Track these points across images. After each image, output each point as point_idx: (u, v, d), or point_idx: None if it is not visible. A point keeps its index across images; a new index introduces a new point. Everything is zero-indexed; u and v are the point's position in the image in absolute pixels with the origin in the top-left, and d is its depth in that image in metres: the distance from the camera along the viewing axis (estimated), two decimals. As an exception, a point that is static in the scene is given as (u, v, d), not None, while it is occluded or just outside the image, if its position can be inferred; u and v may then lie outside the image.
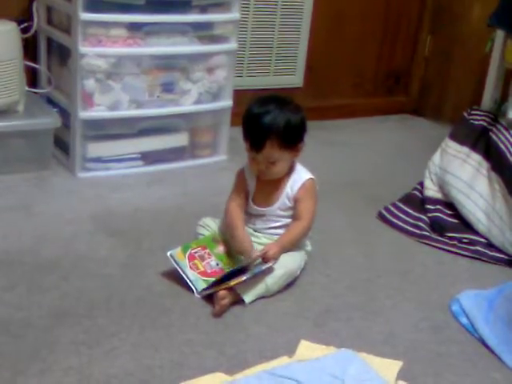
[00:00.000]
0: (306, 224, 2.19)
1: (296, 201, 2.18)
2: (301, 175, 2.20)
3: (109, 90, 2.80)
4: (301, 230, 2.18)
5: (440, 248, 2.55)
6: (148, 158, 2.98)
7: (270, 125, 2.07)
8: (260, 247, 2.14)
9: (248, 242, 2.14)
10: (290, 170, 2.20)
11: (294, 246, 2.18)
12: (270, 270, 2.07)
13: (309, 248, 2.28)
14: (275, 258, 2.09)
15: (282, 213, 2.21)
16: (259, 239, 2.21)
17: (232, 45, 3.05)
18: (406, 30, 4.09)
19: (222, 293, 1.97)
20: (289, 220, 2.21)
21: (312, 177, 2.21)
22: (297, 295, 2.13)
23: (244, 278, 2.00)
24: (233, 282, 2.00)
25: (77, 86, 2.73)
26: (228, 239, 2.21)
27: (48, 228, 2.39)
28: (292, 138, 2.12)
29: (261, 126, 2.08)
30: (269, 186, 2.20)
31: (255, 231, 2.23)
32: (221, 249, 2.19)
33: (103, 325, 1.87)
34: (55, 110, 2.91)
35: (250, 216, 2.25)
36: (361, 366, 1.78)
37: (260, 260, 2.09)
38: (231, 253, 2.18)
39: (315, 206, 2.21)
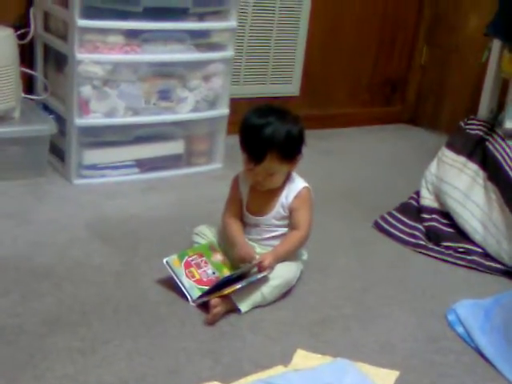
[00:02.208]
0: (304, 233, 2.18)
1: (292, 210, 2.18)
2: (296, 184, 2.19)
3: (105, 97, 2.80)
4: (298, 239, 2.17)
5: (436, 257, 2.55)
6: (144, 165, 2.97)
7: (271, 137, 2.05)
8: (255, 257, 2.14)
9: (249, 247, 2.14)
10: (286, 179, 2.19)
11: (290, 255, 2.17)
12: (264, 279, 2.07)
13: (305, 257, 2.27)
14: (270, 268, 2.08)
15: (276, 222, 2.20)
16: (254, 249, 2.20)
17: (229, 53, 3.05)
18: (402, 39, 4.10)
19: (214, 301, 1.96)
20: (284, 230, 2.20)
21: (307, 185, 2.20)
22: (293, 304, 2.12)
23: (238, 286, 1.99)
24: (227, 291, 1.99)
25: (73, 93, 2.73)
26: (227, 249, 2.20)
27: (43, 235, 2.37)
28: (292, 151, 2.11)
29: (261, 138, 2.06)
30: (263, 195, 2.19)
31: (250, 241, 2.21)
32: (218, 257, 2.18)
33: (98, 332, 1.86)
34: (51, 116, 2.91)
35: (244, 225, 2.24)
36: (357, 375, 1.77)
37: (255, 269, 2.08)
38: (228, 262, 2.17)
39: (311, 216, 2.20)
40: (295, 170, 2.22)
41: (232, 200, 2.25)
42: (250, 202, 2.22)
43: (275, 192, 2.18)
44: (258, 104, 2.21)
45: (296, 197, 2.17)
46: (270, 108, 2.16)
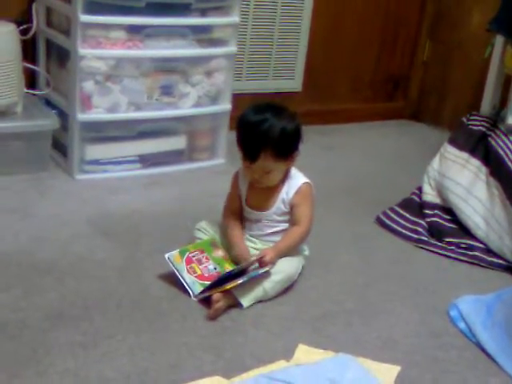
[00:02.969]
0: (304, 229, 2.18)
1: (292, 206, 2.17)
2: (296, 180, 2.19)
3: (108, 93, 2.80)
4: (298, 235, 2.17)
5: (438, 253, 2.55)
6: (146, 160, 2.97)
7: (264, 136, 2.04)
8: (256, 253, 2.14)
9: (246, 251, 2.14)
10: (286, 175, 2.18)
11: (291, 251, 2.17)
12: (266, 275, 2.07)
13: (306, 252, 2.27)
14: (272, 263, 2.08)
15: (277, 218, 2.20)
16: (255, 245, 2.21)
17: (231, 48, 3.05)
18: (404, 35, 4.10)
19: (216, 296, 1.96)
20: (285, 225, 2.20)
21: (308, 181, 2.20)
22: (295, 299, 2.13)
23: (240, 281, 1.99)
24: (228, 286, 1.99)
25: (75, 88, 2.73)
26: (227, 246, 2.21)
27: (45, 230, 2.38)
28: (286, 149, 2.10)
29: (255, 136, 2.05)
30: (263, 191, 2.18)
31: (251, 237, 2.22)
32: (219, 253, 2.17)
33: (100, 327, 1.86)
34: (54, 111, 2.91)
35: (245, 220, 2.24)
36: (359, 370, 1.78)
37: (257, 264, 2.08)
38: (230, 257, 2.18)
39: (312, 211, 2.20)
40: (297, 166, 2.21)
41: (231, 197, 2.26)
42: (249, 198, 2.22)
43: (275, 188, 2.18)
44: (259, 100, 2.21)
45: (296, 192, 2.17)
46: (267, 105, 2.13)
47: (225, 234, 2.23)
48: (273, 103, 2.17)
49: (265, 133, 2.04)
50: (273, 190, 2.18)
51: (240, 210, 2.24)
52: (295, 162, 2.17)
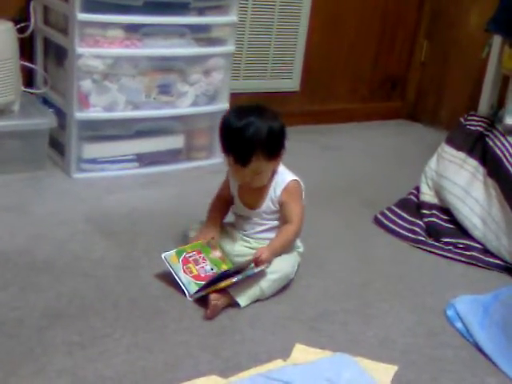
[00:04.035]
0: (296, 227, 2.17)
1: (281, 204, 2.17)
2: (283, 177, 2.18)
3: (105, 91, 2.79)
4: (291, 233, 2.17)
5: (435, 253, 2.55)
6: (144, 159, 2.97)
7: (253, 139, 2.04)
8: (251, 252, 2.14)
9: (208, 232, 2.20)
10: (273, 174, 2.18)
11: (285, 249, 2.17)
12: (261, 273, 2.07)
13: (301, 250, 2.27)
14: (268, 261, 2.08)
15: (267, 216, 2.20)
16: (250, 244, 2.21)
17: (229, 47, 3.05)
18: (402, 35, 4.10)
19: (214, 295, 1.97)
20: (275, 222, 2.20)
21: (295, 178, 2.20)
22: (292, 299, 2.13)
23: (234, 279, 1.99)
24: (223, 284, 1.99)
25: (73, 87, 2.73)
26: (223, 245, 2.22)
27: (42, 228, 2.37)
28: (276, 148, 2.11)
29: (245, 141, 2.05)
30: (253, 191, 2.18)
31: (245, 236, 2.23)
32: (216, 254, 2.17)
33: (97, 326, 1.86)
34: (51, 110, 2.90)
35: (238, 218, 2.26)
36: (356, 370, 1.78)
37: (252, 264, 2.08)
38: (227, 258, 2.18)
39: (302, 207, 2.19)
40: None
41: (221, 187, 2.29)
42: (240, 197, 2.23)
43: (264, 187, 2.18)
44: (252, 100, 2.20)
45: (284, 190, 2.17)
46: (248, 108, 2.13)
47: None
48: (252, 104, 2.16)
49: (253, 136, 2.04)
50: (262, 189, 2.18)
51: (227, 199, 2.26)
52: (281, 159, 2.17)
